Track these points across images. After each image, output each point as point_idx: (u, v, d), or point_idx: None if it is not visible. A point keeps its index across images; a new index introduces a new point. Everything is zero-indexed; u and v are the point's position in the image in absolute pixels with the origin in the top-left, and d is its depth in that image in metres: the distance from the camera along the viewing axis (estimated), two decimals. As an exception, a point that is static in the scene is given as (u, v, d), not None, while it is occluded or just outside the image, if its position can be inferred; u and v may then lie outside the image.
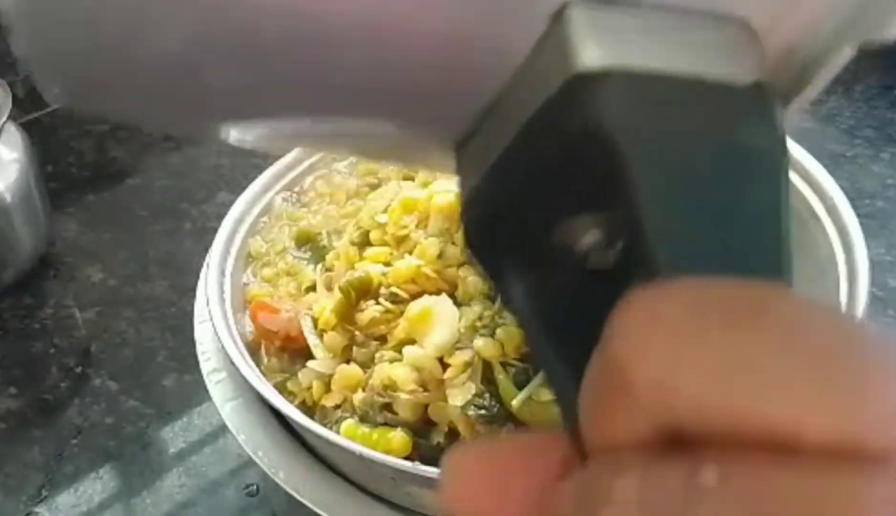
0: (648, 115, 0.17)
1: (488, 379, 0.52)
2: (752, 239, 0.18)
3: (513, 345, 0.52)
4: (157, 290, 0.96)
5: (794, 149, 0.63)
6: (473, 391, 0.51)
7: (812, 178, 0.62)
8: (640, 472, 0.14)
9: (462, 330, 0.55)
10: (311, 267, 0.69)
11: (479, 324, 0.55)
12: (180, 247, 1.01)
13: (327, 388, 0.60)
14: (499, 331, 0.53)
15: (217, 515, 0.77)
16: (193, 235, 1.03)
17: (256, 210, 0.73)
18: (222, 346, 0.59)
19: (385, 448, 0.53)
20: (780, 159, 0.18)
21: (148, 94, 0.20)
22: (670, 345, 0.15)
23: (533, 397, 0.50)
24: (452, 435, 0.54)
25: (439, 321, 0.56)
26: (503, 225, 0.20)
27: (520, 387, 0.51)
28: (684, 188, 0.17)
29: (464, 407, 0.51)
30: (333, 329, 0.60)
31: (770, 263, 0.18)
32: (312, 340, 0.61)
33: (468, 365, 0.53)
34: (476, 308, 0.55)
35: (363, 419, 0.56)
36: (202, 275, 0.68)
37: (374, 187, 0.75)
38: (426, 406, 0.54)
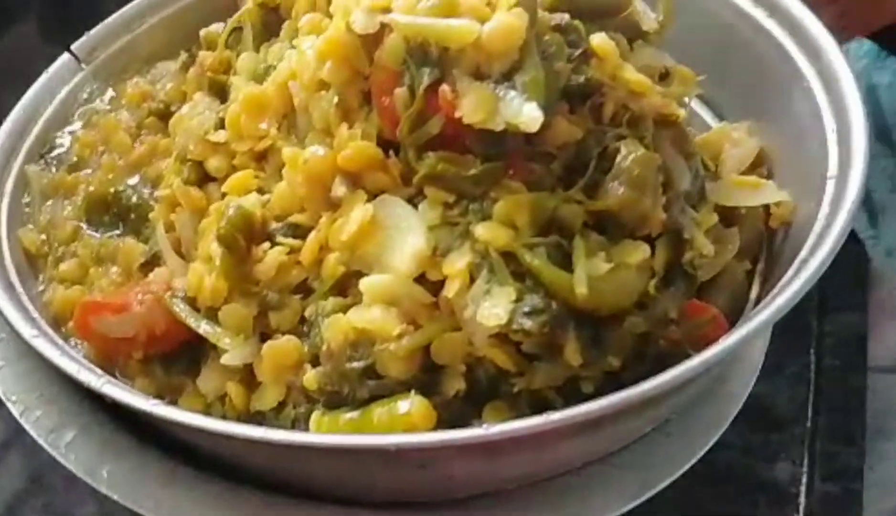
0: None
1: (513, 274, 0.36)
2: None
3: (527, 218, 0.37)
4: None
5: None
6: (513, 293, 0.35)
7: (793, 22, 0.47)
8: None
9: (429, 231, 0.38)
10: (132, 238, 0.47)
11: (451, 214, 0.38)
12: None
13: (250, 386, 0.41)
14: (497, 207, 0.37)
15: None
16: None
17: (8, 187, 0.49)
18: (75, 379, 0.37)
19: (406, 426, 0.35)
20: None
21: None
22: None
23: (591, 273, 0.35)
24: (471, 375, 0.38)
25: (392, 229, 0.39)
26: None
27: (564, 268, 0.36)
28: None
29: (510, 321, 0.34)
30: (228, 299, 0.41)
31: None
32: (205, 328, 0.41)
33: (474, 266, 0.36)
34: (431, 199, 0.39)
35: (332, 404, 0.38)
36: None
37: (161, 115, 0.53)
38: (426, 349, 0.37)
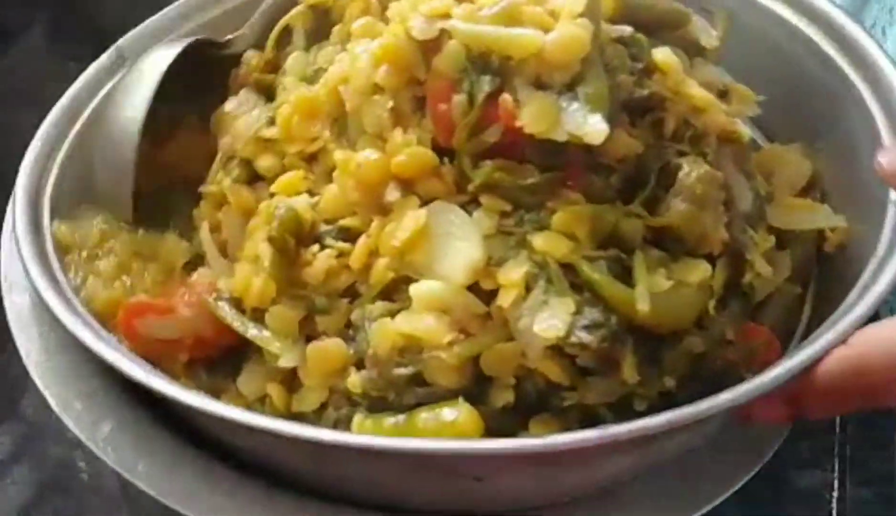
0: None
1: (571, 286, 0.35)
2: None
3: (586, 226, 0.36)
4: None
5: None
6: (572, 305, 0.34)
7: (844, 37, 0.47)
8: None
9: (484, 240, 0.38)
10: (174, 235, 0.47)
11: (507, 223, 0.38)
12: None
13: (291, 388, 0.40)
14: (557, 218, 0.36)
15: None
16: None
17: (51, 180, 0.48)
18: (119, 371, 0.37)
19: (452, 435, 0.35)
20: None
21: None
22: None
23: (652, 289, 0.35)
24: (520, 388, 0.37)
25: (445, 236, 0.38)
26: None
27: (623, 283, 0.35)
28: None
29: (568, 333, 0.34)
30: (276, 301, 0.40)
31: None
32: (253, 332, 0.40)
33: (531, 276, 0.36)
34: (487, 207, 0.38)
35: (375, 409, 0.38)
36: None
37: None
38: (475, 359, 0.37)
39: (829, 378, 0.33)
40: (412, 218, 0.38)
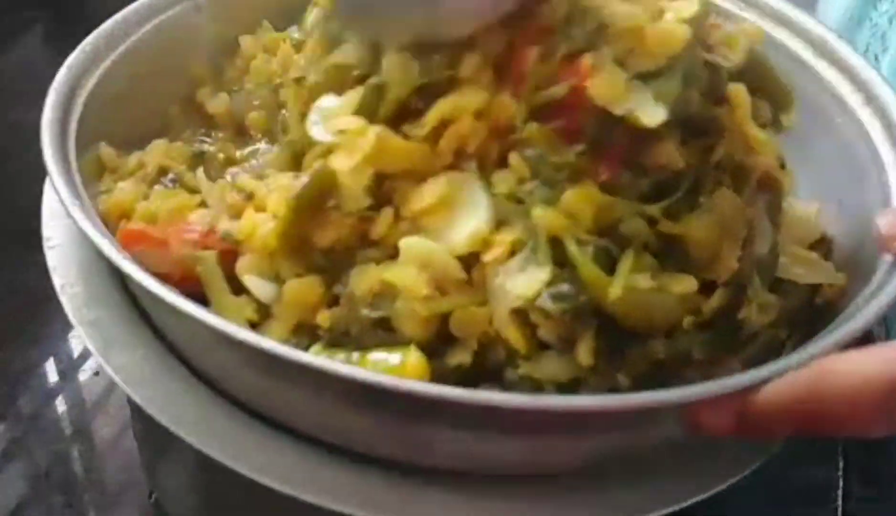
0: None
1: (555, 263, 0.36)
2: None
3: (590, 211, 0.36)
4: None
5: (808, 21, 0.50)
6: (547, 274, 0.35)
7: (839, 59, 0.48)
8: None
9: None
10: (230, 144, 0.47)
11: (521, 189, 0.38)
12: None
13: (264, 317, 0.40)
14: (566, 196, 0.36)
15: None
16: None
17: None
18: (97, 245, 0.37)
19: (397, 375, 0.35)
20: None
21: None
22: None
23: (630, 284, 0.35)
24: (481, 354, 0.37)
25: (462, 206, 0.38)
26: None
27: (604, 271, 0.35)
28: None
29: (535, 297, 0.34)
30: (275, 255, 0.40)
31: None
32: (254, 283, 0.40)
33: (520, 243, 0.36)
34: (504, 176, 0.38)
35: (335, 343, 0.38)
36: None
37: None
38: (444, 318, 0.37)
39: (779, 396, 0.32)
40: (440, 184, 0.38)
